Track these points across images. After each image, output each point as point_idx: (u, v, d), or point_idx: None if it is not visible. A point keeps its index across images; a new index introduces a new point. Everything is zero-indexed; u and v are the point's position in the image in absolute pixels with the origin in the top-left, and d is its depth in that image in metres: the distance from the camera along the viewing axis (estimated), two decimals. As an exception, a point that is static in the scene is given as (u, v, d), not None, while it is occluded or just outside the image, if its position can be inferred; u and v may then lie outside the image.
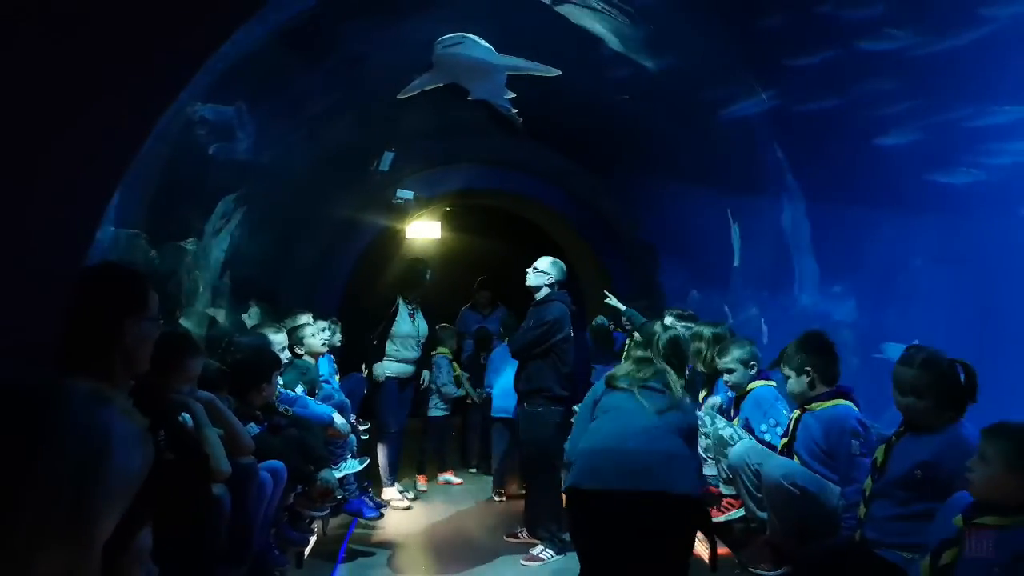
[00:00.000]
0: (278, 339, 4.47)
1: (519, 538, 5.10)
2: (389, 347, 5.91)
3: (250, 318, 5.46)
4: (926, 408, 2.69)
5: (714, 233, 5.70)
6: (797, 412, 3.41)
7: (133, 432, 1.05)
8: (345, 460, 4.78)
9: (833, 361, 3.37)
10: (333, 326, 5.60)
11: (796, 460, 3.32)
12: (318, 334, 5.06)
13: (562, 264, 5.06)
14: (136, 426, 1.06)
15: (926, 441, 2.69)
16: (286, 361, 4.55)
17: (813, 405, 3.32)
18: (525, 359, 4.89)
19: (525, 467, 5.10)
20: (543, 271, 4.95)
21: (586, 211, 8.20)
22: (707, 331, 4.42)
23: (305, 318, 5.19)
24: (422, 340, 6.12)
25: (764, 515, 3.42)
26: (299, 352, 4.91)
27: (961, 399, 2.69)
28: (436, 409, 6.76)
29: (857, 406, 3.28)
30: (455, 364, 6.93)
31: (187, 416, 2.68)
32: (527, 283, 4.99)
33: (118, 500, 1.02)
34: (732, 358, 3.98)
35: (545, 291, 4.93)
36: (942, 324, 3.53)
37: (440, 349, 6.75)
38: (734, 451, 3.57)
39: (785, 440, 3.43)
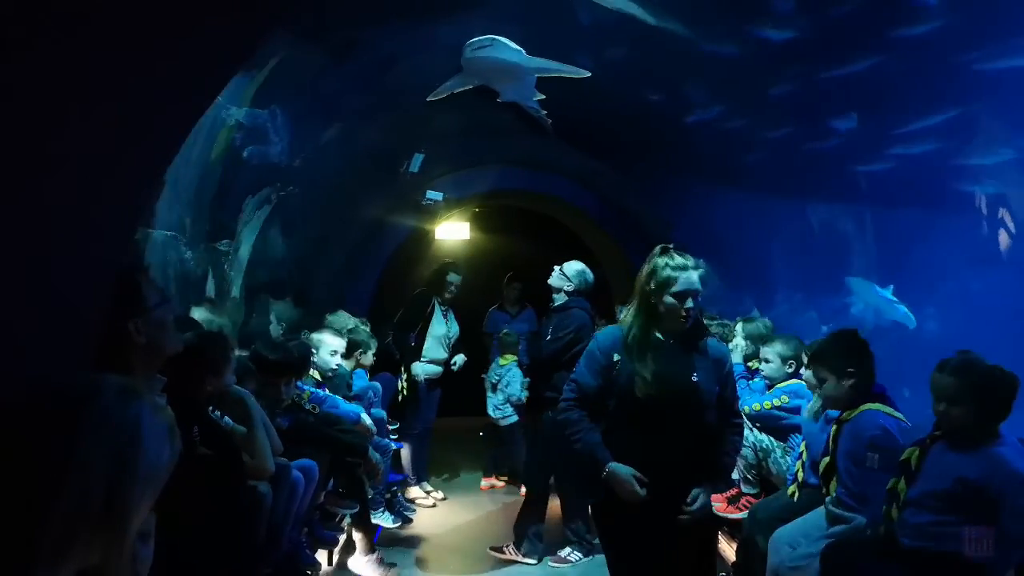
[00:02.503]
0: (334, 343, 4.58)
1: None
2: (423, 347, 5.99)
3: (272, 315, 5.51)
4: (961, 416, 2.61)
5: (747, 234, 5.65)
6: (834, 427, 3.17)
7: (162, 425, 1.08)
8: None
9: (872, 363, 3.13)
10: (363, 327, 5.66)
11: (837, 487, 3.06)
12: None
13: (590, 276, 5.01)
14: (165, 419, 1.09)
15: (966, 459, 2.59)
16: (335, 367, 4.64)
17: (845, 415, 3.11)
18: (550, 368, 4.87)
19: (554, 472, 5.06)
20: (566, 276, 4.92)
21: (616, 212, 8.16)
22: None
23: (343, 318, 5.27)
24: (453, 341, 6.17)
25: None
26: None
27: (1000, 409, 2.61)
28: (508, 417, 6.72)
29: (892, 405, 3.07)
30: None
31: (225, 416, 2.72)
32: (549, 281, 4.99)
33: (149, 491, 1.06)
34: (773, 350, 3.97)
35: (563, 297, 4.91)
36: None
37: (509, 357, 6.77)
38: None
39: (827, 459, 3.15)
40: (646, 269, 2.87)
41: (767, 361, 4.00)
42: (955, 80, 3.43)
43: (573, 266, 4.98)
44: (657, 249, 2.90)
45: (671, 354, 2.79)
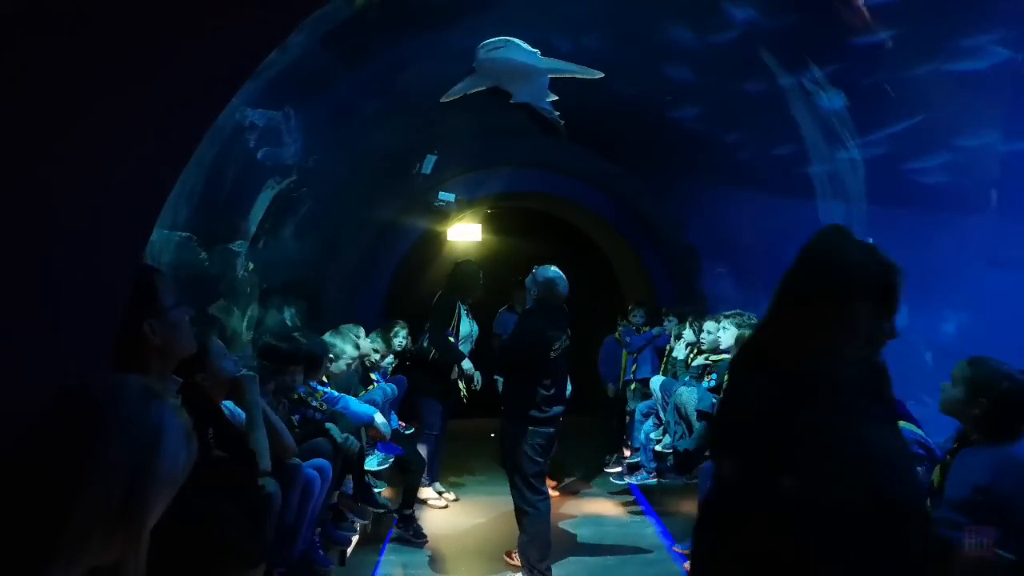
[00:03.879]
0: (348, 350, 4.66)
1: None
2: None
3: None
4: (953, 399, 2.63)
5: (760, 234, 5.62)
6: None
7: (181, 427, 1.09)
8: (371, 454, 4.82)
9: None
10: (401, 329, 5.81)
11: None
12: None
13: (561, 286, 4.52)
14: (184, 422, 1.10)
15: (982, 457, 2.57)
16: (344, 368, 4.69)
17: None
18: (510, 376, 4.76)
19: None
20: (538, 280, 4.55)
21: (628, 214, 8.15)
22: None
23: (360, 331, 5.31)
24: (474, 340, 6.19)
25: None
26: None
27: (1007, 409, 2.58)
28: None
29: (914, 422, 3.04)
30: None
31: (237, 409, 2.72)
32: (526, 280, 4.79)
33: (166, 491, 1.07)
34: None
35: (530, 301, 4.66)
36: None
37: None
38: None
39: None
40: (831, 263, 1.67)
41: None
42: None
43: (545, 272, 4.54)
44: (827, 230, 1.74)
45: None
